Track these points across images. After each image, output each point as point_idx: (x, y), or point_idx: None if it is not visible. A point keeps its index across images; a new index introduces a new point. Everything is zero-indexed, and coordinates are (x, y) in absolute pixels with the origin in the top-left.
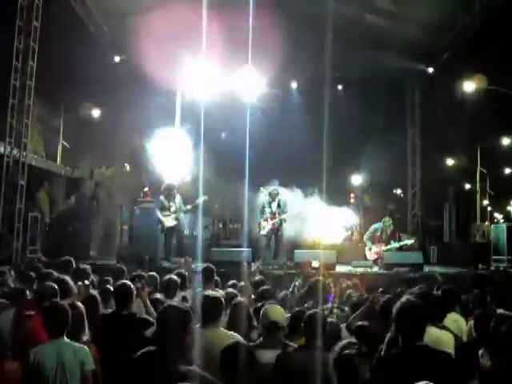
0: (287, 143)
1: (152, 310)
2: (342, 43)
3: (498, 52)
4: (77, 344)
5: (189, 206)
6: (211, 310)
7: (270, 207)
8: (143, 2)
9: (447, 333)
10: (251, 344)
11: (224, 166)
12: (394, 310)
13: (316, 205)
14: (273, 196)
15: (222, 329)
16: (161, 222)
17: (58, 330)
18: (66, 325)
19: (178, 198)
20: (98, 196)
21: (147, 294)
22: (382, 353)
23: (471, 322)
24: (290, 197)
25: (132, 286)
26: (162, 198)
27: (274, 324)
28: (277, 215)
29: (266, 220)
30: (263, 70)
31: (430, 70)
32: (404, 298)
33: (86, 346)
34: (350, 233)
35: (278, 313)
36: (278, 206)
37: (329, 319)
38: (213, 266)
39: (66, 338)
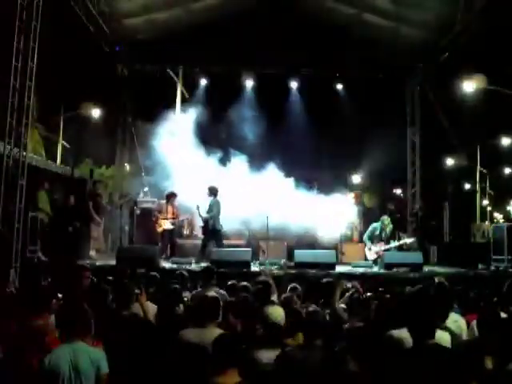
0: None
1: (150, 315)
2: (342, 43)
3: (498, 52)
4: (91, 347)
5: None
6: (210, 310)
7: None
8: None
9: (446, 333)
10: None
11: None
12: (407, 309)
13: (315, 201)
14: None
15: (220, 329)
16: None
17: (73, 332)
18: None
19: (176, 206)
20: (97, 196)
21: (145, 299)
22: None
23: (473, 322)
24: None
25: (133, 286)
26: (163, 202)
27: (274, 324)
28: None
29: None
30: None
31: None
32: (416, 297)
33: (101, 349)
34: (349, 232)
35: (278, 313)
36: None
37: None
38: (213, 267)
39: (80, 341)
